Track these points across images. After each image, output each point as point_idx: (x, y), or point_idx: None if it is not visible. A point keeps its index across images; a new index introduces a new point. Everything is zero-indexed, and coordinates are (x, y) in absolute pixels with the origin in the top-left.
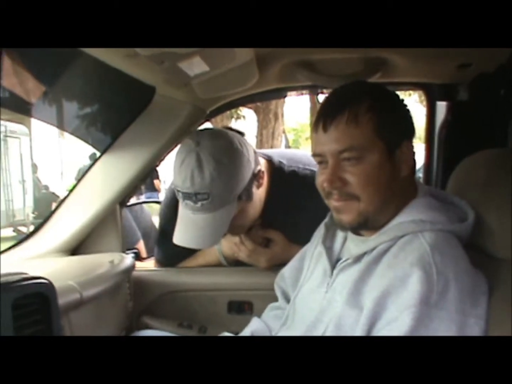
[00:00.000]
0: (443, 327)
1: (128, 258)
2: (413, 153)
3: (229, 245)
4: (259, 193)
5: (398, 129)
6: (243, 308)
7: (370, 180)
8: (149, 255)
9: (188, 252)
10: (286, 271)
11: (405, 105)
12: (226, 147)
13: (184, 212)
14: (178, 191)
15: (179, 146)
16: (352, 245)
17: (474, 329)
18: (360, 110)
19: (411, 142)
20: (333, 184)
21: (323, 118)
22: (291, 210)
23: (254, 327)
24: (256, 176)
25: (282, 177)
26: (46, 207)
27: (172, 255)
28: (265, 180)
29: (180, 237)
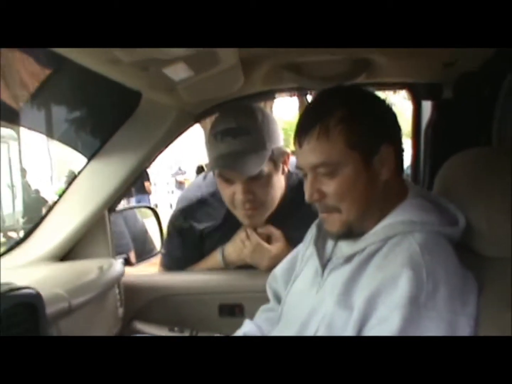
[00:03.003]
0: (433, 326)
1: (118, 264)
2: (397, 154)
3: (234, 244)
4: (280, 179)
5: (374, 136)
6: (234, 311)
7: (348, 192)
8: (139, 260)
9: (195, 259)
10: (278, 271)
11: (385, 106)
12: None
13: (220, 150)
14: (216, 133)
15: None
16: (343, 245)
17: (464, 328)
18: (331, 123)
19: (393, 144)
20: (312, 197)
21: (298, 133)
22: (292, 213)
23: (246, 330)
24: (283, 153)
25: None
26: (35, 212)
27: (180, 261)
28: None
29: (218, 163)
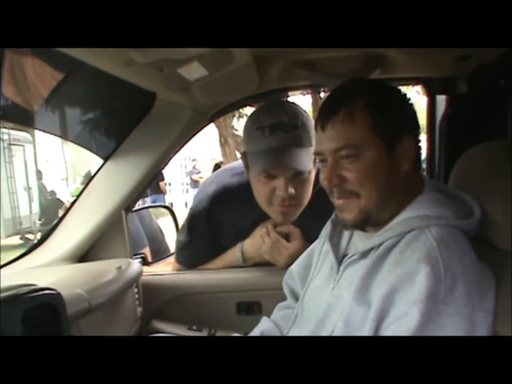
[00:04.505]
0: (451, 322)
1: (135, 264)
2: (417, 148)
3: (253, 240)
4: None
5: (397, 125)
6: (252, 309)
7: (369, 176)
8: (155, 259)
9: (211, 256)
10: (295, 268)
11: (407, 100)
12: None
13: (270, 144)
14: (264, 127)
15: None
16: (358, 241)
17: (483, 323)
18: (356, 108)
19: (413, 137)
20: (332, 182)
21: (321, 117)
22: (314, 212)
23: (263, 328)
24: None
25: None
26: (52, 214)
27: (196, 258)
28: None
29: (270, 158)
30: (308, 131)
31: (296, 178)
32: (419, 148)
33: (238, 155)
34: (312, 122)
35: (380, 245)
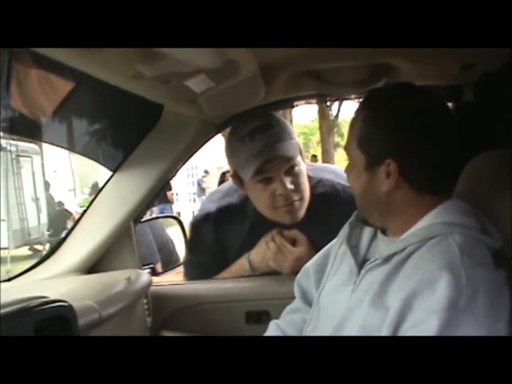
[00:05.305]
0: (471, 332)
1: (145, 274)
2: (410, 172)
3: (258, 248)
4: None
5: (380, 147)
6: (261, 318)
7: (352, 183)
8: (165, 269)
9: (219, 268)
10: (311, 266)
11: (417, 123)
12: None
13: (253, 147)
14: (243, 137)
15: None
16: (381, 245)
17: (502, 333)
18: (357, 120)
19: (398, 163)
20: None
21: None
22: (318, 218)
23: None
24: (303, 149)
25: (316, 191)
26: (60, 224)
27: (204, 270)
28: None
29: (257, 158)
30: (284, 127)
31: (290, 172)
32: (422, 167)
33: None
34: (286, 121)
35: (402, 250)
